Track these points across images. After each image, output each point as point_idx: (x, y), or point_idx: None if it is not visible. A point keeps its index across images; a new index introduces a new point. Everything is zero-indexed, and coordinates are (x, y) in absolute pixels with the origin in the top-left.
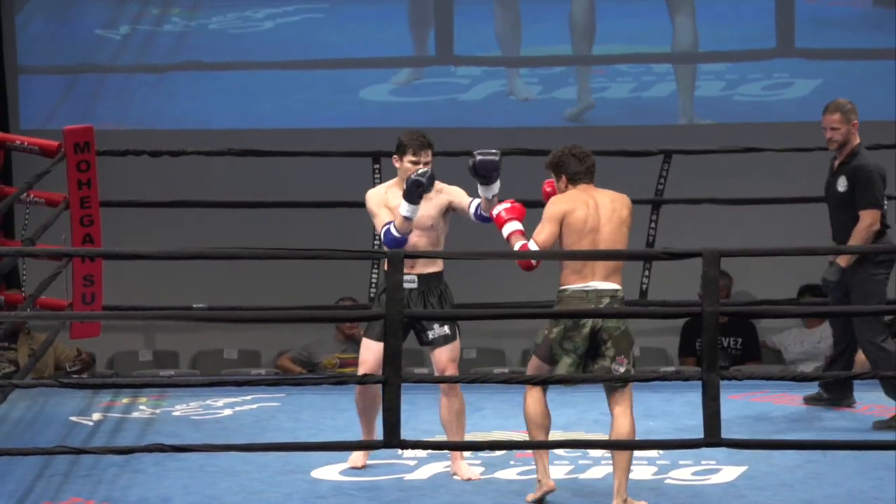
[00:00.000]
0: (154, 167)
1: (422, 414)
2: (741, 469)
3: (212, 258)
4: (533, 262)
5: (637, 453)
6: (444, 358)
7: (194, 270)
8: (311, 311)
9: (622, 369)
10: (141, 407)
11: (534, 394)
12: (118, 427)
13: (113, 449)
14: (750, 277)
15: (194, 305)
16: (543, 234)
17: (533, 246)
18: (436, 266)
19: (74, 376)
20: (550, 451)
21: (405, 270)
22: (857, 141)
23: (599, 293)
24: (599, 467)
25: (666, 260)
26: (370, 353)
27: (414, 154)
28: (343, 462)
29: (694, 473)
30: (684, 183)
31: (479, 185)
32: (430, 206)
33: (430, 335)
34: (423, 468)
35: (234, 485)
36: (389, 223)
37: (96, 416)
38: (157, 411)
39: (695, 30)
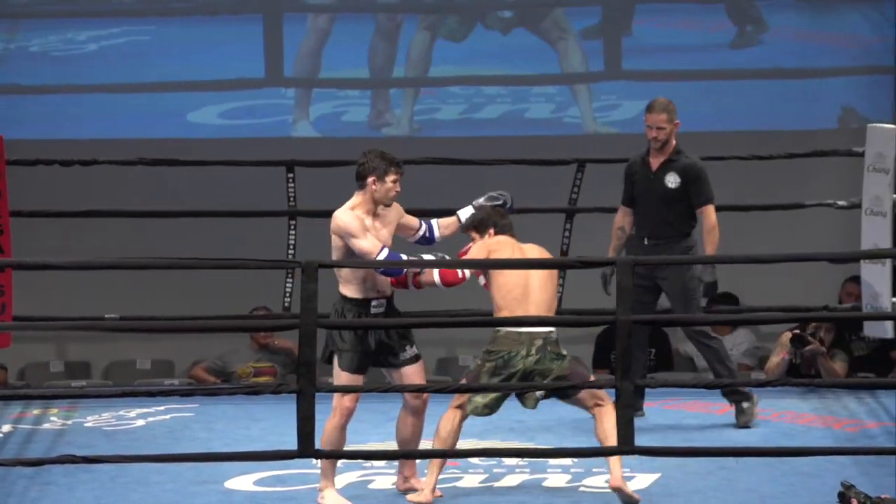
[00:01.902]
0: (67, 177)
1: None
2: (654, 476)
3: (123, 268)
4: (460, 275)
5: (552, 461)
6: (418, 377)
7: (107, 280)
8: (225, 320)
9: (540, 397)
10: (52, 418)
11: (452, 415)
12: (29, 439)
13: (23, 461)
14: None
15: (106, 315)
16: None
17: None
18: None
19: None
20: (467, 459)
21: (375, 295)
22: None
23: (532, 335)
24: (514, 475)
25: (580, 268)
26: (351, 383)
27: (396, 174)
28: (257, 472)
29: (608, 481)
30: (600, 191)
31: (468, 217)
32: (389, 225)
33: (403, 356)
34: (338, 478)
35: (146, 496)
36: (383, 248)
37: (6, 427)
38: (69, 422)
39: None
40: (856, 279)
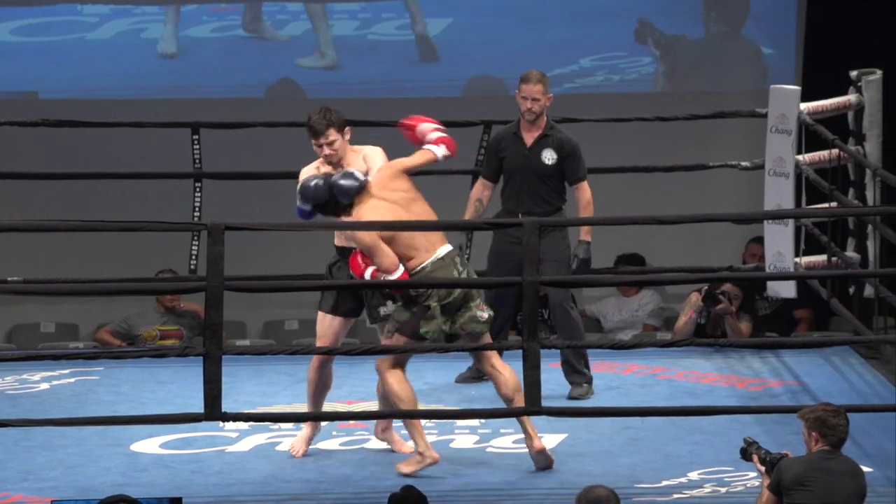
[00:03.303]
0: None
1: (243, 386)
2: (561, 437)
3: (26, 231)
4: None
5: (459, 423)
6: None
7: (10, 243)
8: (131, 283)
9: (486, 315)
10: None
11: (397, 374)
12: None
13: None
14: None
15: (9, 278)
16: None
17: (390, 278)
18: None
19: None
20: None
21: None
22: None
23: (450, 254)
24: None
25: (487, 230)
26: (327, 326)
27: (313, 137)
28: (163, 435)
29: (515, 441)
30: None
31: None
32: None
33: (383, 311)
34: (245, 440)
35: (51, 459)
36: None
37: None
38: None
39: None
40: (759, 239)
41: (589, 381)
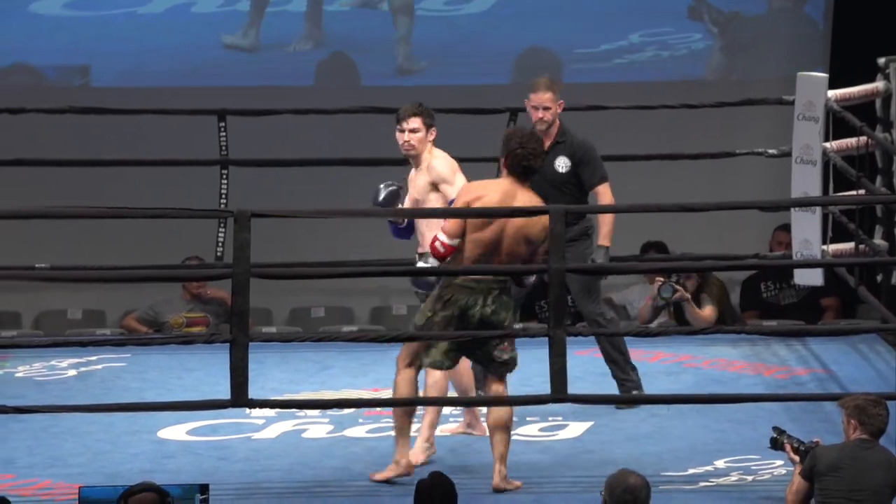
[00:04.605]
0: None
1: (269, 373)
2: (587, 424)
3: (54, 217)
4: (441, 249)
5: (483, 410)
6: None
7: (37, 230)
8: (158, 269)
9: (505, 356)
10: None
11: (407, 374)
12: None
13: None
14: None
15: (37, 265)
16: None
17: (441, 237)
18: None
19: None
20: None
21: (419, 251)
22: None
23: (490, 284)
24: (447, 424)
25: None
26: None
27: (398, 122)
28: (190, 421)
29: (541, 430)
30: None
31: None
32: (415, 187)
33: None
34: (271, 427)
35: (79, 445)
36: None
37: None
38: (0, 372)
39: None
40: (786, 227)
41: (637, 385)
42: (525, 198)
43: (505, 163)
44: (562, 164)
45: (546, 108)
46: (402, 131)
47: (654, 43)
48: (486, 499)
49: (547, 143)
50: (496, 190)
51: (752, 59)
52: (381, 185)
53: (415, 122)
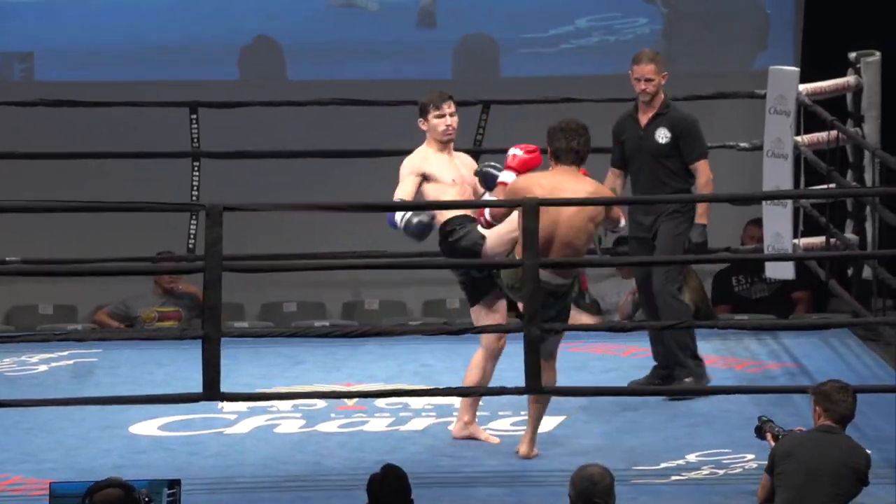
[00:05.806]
0: None
1: (242, 368)
2: (561, 418)
3: (23, 211)
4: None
5: (457, 405)
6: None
7: (7, 223)
8: (129, 263)
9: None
10: None
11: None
12: None
13: None
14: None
15: (7, 259)
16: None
17: (487, 215)
18: None
19: None
20: (373, 403)
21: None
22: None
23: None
24: (420, 419)
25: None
26: (483, 317)
27: (436, 108)
28: (162, 417)
29: (513, 424)
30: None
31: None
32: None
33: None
34: (243, 422)
35: (50, 441)
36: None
37: None
38: None
39: None
40: (757, 222)
41: (695, 374)
42: (571, 187)
43: (552, 154)
44: (662, 135)
45: (648, 80)
46: (443, 115)
47: (601, 28)
48: (454, 489)
49: (650, 114)
50: (543, 184)
51: (714, 50)
52: (424, 216)
53: (454, 107)
